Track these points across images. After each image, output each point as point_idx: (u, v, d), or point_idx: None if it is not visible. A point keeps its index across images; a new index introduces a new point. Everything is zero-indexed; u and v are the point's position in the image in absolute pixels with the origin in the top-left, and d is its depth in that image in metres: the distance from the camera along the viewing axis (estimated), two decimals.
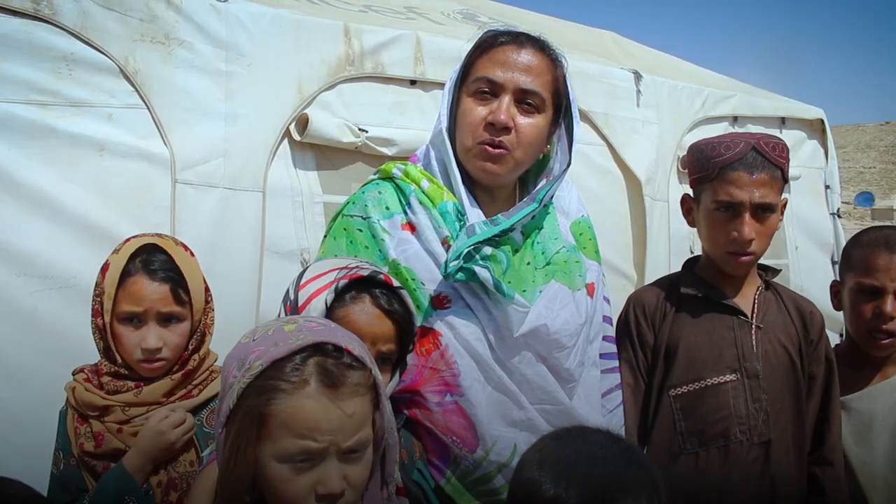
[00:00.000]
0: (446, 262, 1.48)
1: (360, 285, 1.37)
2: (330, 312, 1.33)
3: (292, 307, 1.37)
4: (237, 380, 1.07)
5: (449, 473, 1.53)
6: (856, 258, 1.94)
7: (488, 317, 1.52)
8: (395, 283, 1.42)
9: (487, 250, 1.49)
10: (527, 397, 1.54)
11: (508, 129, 1.52)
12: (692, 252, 3.79)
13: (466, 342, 1.51)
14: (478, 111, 1.54)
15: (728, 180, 1.74)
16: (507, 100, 1.53)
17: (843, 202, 5.19)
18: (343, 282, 1.34)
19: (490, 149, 1.53)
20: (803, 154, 4.45)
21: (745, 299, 1.85)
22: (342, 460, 1.07)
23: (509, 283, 1.51)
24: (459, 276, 1.46)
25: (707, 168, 1.78)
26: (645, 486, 1.13)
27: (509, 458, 1.52)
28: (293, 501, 1.06)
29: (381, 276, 1.40)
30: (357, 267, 1.38)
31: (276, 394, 1.05)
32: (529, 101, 1.54)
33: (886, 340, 1.88)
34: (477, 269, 1.46)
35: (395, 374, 1.43)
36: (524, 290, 1.54)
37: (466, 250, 1.46)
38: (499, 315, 1.50)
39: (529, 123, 1.54)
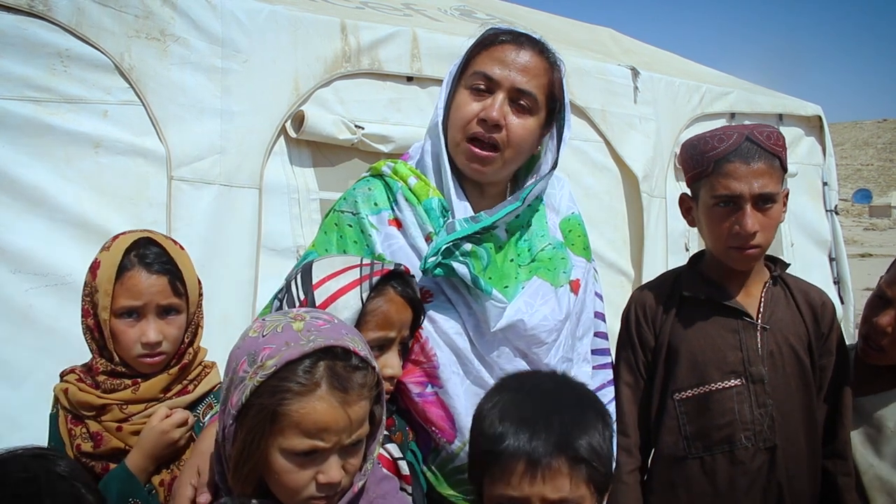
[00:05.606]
0: (425, 257, 1.50)
1: (381, 278, 1.44)
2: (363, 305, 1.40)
3: (309, 306, 1.39)
4: (248, 376, 1.12)
5: (430, 461, 1.56)
6: (893, 264, 1.90)
7: (468, 311, 1.53)
8: (410, 272, 1.50)
9: (467, 247, 1.51)
10: None
11: (500, 127, 1.52)
12: (687, 249, 3.78)
13: (446, 335, 1.52)
14: (471, 106, 1.54)
15: (725, 173, 1.67)
16: (501, 97, 1.52)
17: (840, 199, 5.20)
18: (376, 278, 1.41)
19: (477, 150, 1.53)
20: (801, 151, 4.46)
21: (752, 298, 1.79)
22: (342, 453, 1.14)
23: (490, 279, 1.52)
24: (437, 271, 1.49)
25: (702, 163, 1.72)
26: (598, 423, 1.22)
27: None
28: (295, 489, 1.13)
29: (402, 268, 1.47)
30: (373, 263, 1.45)
31: (288, 394, 1.10)
32: (523, 101, 1.54)
33: (877, 353, 1.86)
34: (455, 264, 1.48)
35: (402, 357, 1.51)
36: (506, 287, 1.55)
37: (445, 246, 1.48)
38: (478, 310, 1.52)
39: (520, 124, 1.54)
